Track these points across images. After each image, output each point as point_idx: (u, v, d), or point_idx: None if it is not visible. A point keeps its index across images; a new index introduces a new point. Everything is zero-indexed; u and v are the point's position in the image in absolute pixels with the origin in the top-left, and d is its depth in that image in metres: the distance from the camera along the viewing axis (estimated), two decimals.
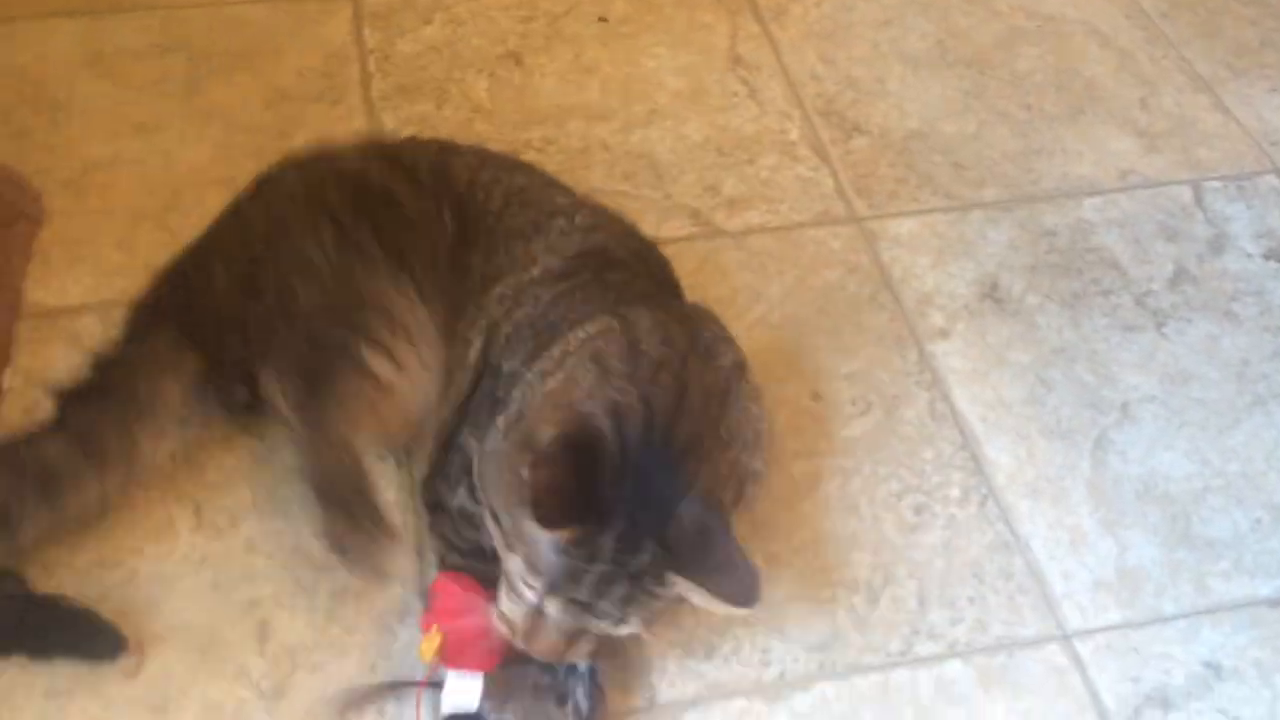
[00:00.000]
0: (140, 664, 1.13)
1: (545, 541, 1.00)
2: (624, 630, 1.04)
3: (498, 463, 1.06)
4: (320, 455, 1.19)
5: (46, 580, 1.17)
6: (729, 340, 1.20)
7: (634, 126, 1.70)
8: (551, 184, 1.41)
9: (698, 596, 1.01)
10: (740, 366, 1.18)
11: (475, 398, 1.21)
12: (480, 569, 1.11)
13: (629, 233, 1.37)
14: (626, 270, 1.28)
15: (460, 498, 1.17)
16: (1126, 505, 1.33)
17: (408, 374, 1.22)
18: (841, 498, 1.32)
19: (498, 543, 1.05)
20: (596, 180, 1.61)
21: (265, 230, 1.30)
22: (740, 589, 1.01)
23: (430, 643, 1.07)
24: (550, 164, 1.60)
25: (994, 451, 1.37)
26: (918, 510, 1.31)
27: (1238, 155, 1.75)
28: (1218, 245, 1.62)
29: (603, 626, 1.03)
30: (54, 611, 1.14)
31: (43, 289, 1.41)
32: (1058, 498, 1.34)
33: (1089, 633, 1.23)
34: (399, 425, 1.25)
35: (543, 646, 1.04)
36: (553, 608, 1.02)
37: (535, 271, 1.25)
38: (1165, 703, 1.19)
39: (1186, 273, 1.58)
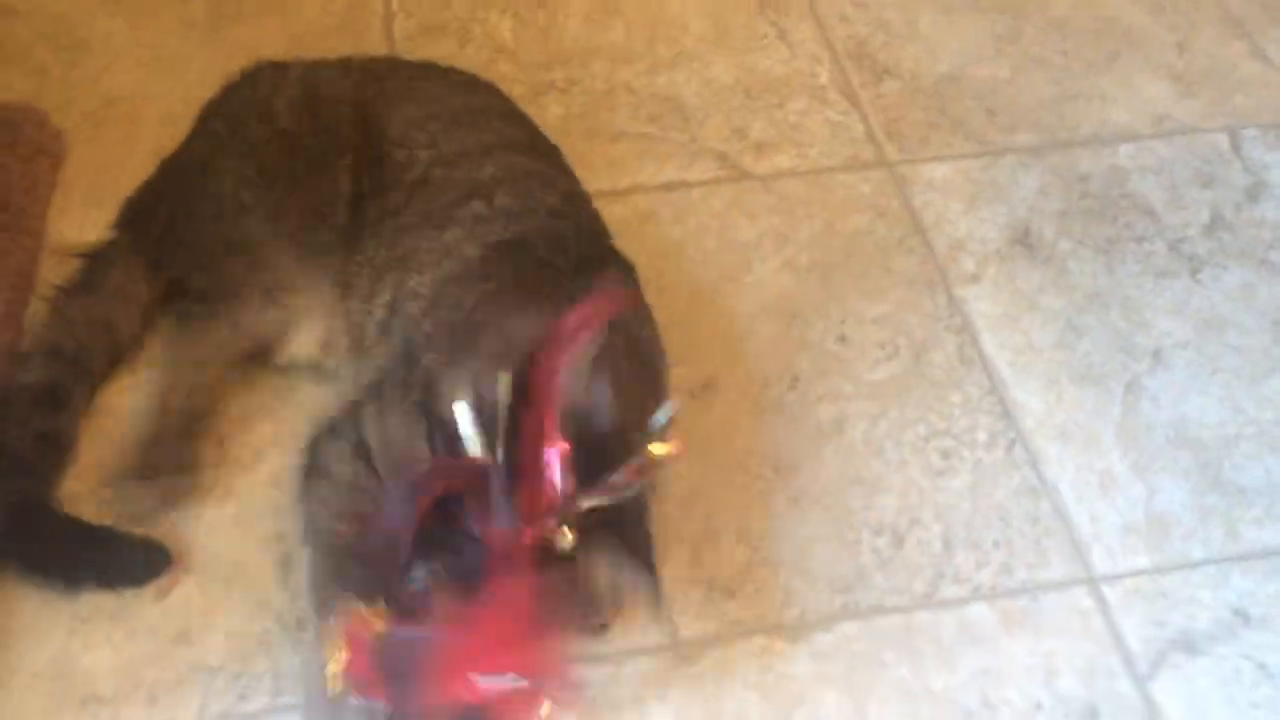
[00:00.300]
0: (174, 584, 1.14)
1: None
2: None
3: None
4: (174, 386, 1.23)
5: (70, 512, 1.18)
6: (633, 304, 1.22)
7: (660, 68, 1.68)
8: (494, 148, 1.32)
9: None
10: (646, 318, 1.22)
11: (388, 380, 1.17)
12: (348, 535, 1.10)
13: (553, 210, 1.28)
14: (549, 266, 1.22)
15: (354, 471, 1.13)
16: (1157, 450, 1.32)
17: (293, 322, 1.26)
18: (867, 441, 1.30)
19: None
20: (621, 123, 1.60)
21: (200, 163, 1.33)
22: None
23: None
24: (574, 106, 1.59)
25: (1023, 396, 1.35)
26: (945, 454, 1.30)
27: (1276, 102, 1.71)
28: (1255, 193, 1.59)
29: None
30: (96, 534, 1.15)
31: (64, 224, 1.41)
32: (1087, 442, 1.32)
33: (1116, 577, 1.22)
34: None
35: None
36: None
37: (452, 267, 1.20)
38: (1191, 647, 1.17)
39: (1222, 220, 1.56)
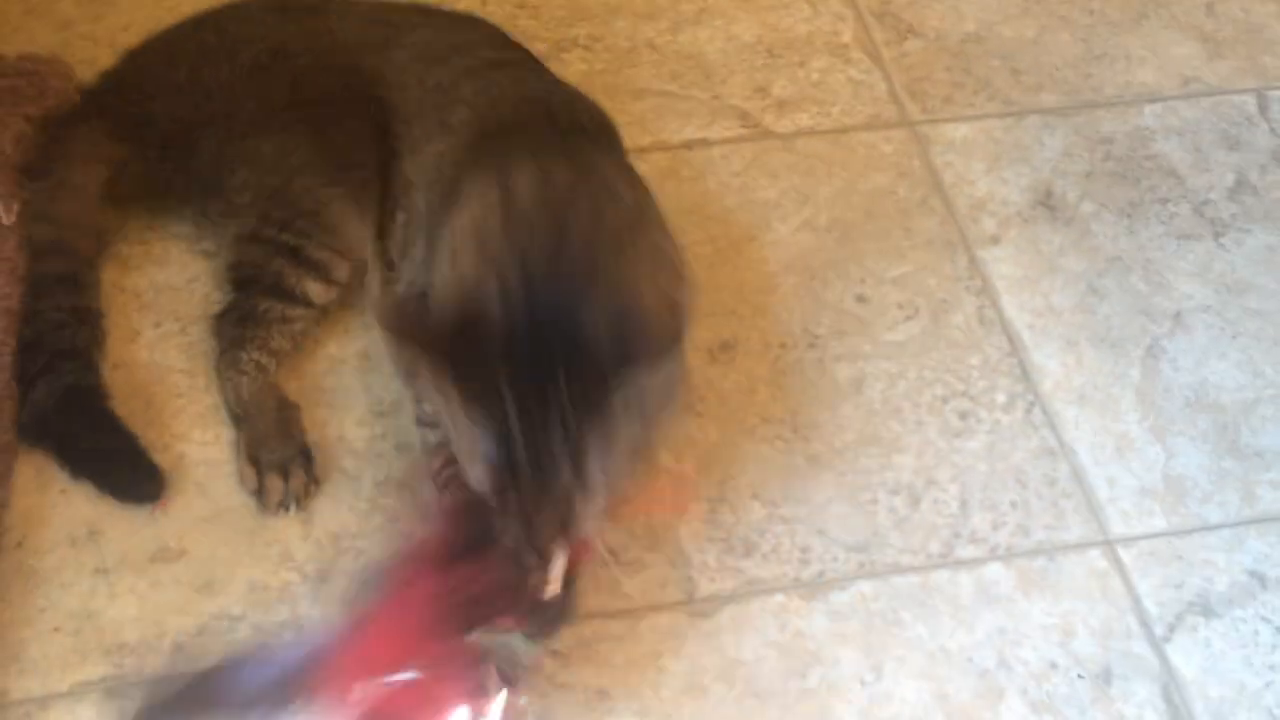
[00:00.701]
0: (160, 507, 1.17)
1: (461, 424, 0.97)
2: (592, 473, 0.96)
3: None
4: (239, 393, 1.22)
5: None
6: (631, 178, 1.18)
7: (683, 25, 1.67)
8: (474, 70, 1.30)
9: (640, 379, 0.96)
10: (642, 205, 1.14)
11: None
12: None
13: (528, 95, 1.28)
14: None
15: None
16: (1175, 413, 1.32)
17: (337, 287, 1.26)
18: (885, 401, 1.31)
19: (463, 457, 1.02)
20: (644, 80, 1.59)
21: (229, 78, 1.31)
22: (659, 338, 0.98)
23: None
24: (597, 63, 1.58)
25: (1042, 358, 1.35)
26: (962, 415, 1.30)
27: None
28: None
29: (566, 482, 0.96)
30: (116, 440, 1.18)
31: None
32: (1105, 405, 1.32)
33: (1132, 539, 1.22)
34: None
35: (548, 540, 0.98)
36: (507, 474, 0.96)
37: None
38: (1207, 610, 1.18)
39: (1247, 183, 1.54)
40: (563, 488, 0.96)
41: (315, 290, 1.24)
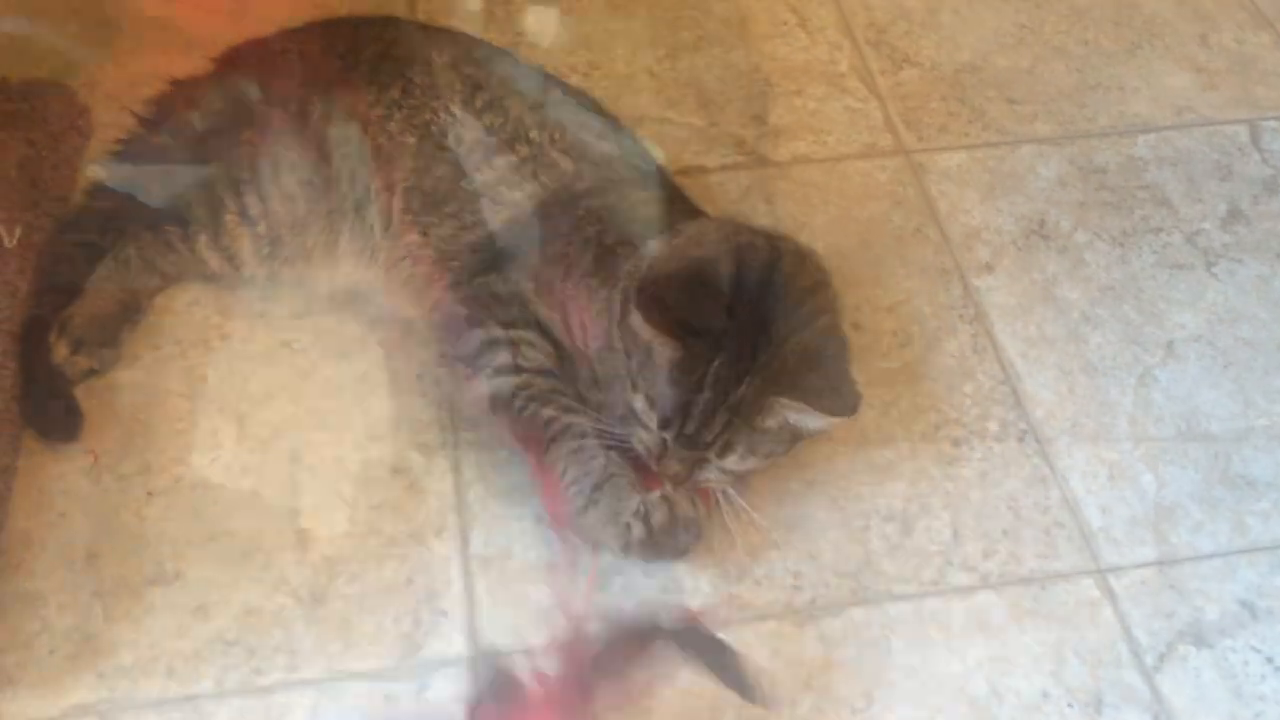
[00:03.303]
0: (90, 459, 1.21)
1: (661, 373, 1.12)
2: (730, 461, 1.15)
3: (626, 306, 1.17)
4: None
5: (93, 486, 1.20)
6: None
7: (681, 53, 1.68)
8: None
9: (799, 417, 1.14)
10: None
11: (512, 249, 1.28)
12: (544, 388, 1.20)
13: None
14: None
15: (518, 330, 1.21)
16: (1167, 443, 1.32)
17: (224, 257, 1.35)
18: (879, 429, 1.31)
19: (627, 387, 1.16)
20: (641, 107, 1.60)
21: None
22: (838, 402, 1.14)
23: None
24: (595, 90, 1.59)
25: (1034, 387, 1.36)
26: (955, 443, 1.31)
27: None
28: (1273, 185, 1.59)
29: (710, 456, 1.14)
30: (50, 378, 1.26)
31: None
32: (1097, 434, 1.32)
33: (1124, 568, 1.22)
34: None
35: (670, 472, 1.15)
36: (670, 439, 1.13)
37: (585, 184, 1.32)
38: (1198, 639, 1.18)
39: (1240, 213, 1.55)
40: (699, 456, 1.14)
41: (202, 244, 1.33)
